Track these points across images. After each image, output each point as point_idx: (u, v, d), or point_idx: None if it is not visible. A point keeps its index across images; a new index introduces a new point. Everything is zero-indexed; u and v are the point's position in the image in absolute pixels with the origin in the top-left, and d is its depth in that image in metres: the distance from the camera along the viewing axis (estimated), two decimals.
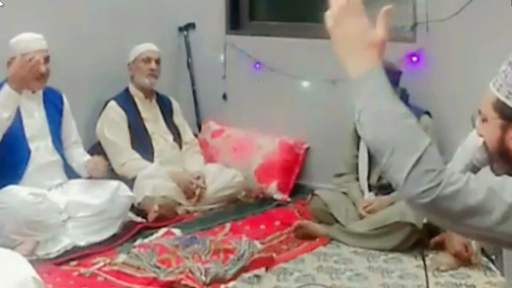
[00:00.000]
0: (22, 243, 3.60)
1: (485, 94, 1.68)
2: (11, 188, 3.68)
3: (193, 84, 5.34)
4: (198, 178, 4.54)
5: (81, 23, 4.63)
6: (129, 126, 4.59)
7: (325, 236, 3.96)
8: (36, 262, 3.41)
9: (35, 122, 3.95)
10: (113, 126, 4.56)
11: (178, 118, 4.89)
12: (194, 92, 5.34)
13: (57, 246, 3.70)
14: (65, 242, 3.73)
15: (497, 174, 1.70)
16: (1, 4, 4.16)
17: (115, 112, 4.57)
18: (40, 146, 3.93)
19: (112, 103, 4.59)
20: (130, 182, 4.26)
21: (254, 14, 5.32)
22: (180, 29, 5.38)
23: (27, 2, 4.33)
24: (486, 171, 1.81)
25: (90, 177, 4.04)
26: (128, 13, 4.97)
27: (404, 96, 4.10)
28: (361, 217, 4.00)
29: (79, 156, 4.14)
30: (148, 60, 4.63)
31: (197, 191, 4.48)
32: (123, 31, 4.90)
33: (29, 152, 3.88)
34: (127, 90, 4.70)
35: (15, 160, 3.83)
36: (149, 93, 4.71)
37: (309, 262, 3.67)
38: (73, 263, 3.58)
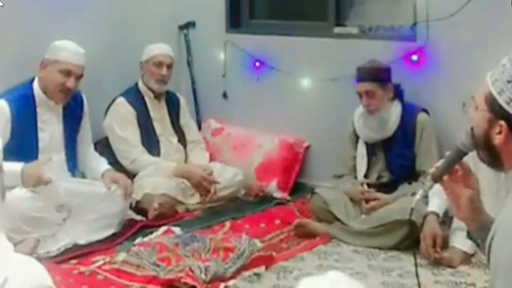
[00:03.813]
0: (23, 242, 3.60)
1: (482, 83, 1.70)
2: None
3: (193, 82, 5.35)
4: (211, 173, 4.48)
5: (79, 22, 4.62)
6: (138, 124, 4.54)
7: (325, 234, 3.96)
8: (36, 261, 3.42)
9: (52, 134, 3.88)
10: (123, 122, 4.50)
11: (185, 117, 4.84)
12: (194, 90, 5.34)
13: (57, 244, 3.70)
14: (65, 241, 3.73)
15: (483, 162, 1.73)
16: (1, 4, 4.17)
17: (124, 109, 4.52)
18: (52, 160, 3.80)
19: (121, 100, 4.54)
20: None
21: (254, 12, 5.33)
22: (180, 27, 5.39)
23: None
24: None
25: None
26: (128, 11, 4.97)
27: (398, 92, 4.11)
28: (359, 204, 4.02)
29: (94, 159, 4.09)
30: (159, 64, 4.55)
31: (212, 189, 4.44)
32: (123, 29, 4.90)
33: None
34: (136, 86, 4.63)
35: None
36: (159, 94, 4.65)
37: (309, 261, 3.67)
38: (73, 261, 3.59)
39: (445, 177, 1.85)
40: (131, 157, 4.45)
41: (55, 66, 3.80)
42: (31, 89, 3.84)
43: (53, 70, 3.80)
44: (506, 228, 1.56)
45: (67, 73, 3.81)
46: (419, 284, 2.07)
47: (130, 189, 4.01)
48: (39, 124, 3.84)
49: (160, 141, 4.62)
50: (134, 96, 4.59)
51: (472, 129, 1.75)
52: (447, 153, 1.88)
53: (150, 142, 4.56)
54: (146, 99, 4.62)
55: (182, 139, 4.77)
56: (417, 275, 2.10)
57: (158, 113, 4.67)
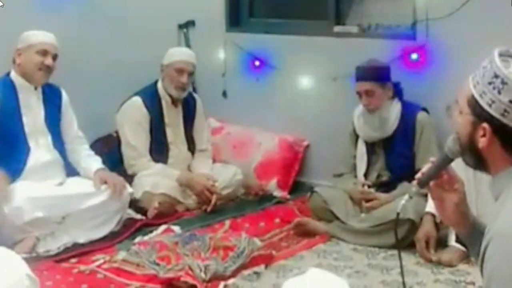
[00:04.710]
0: (22, 241, 3.60)
1: (464, 86, 1.70)
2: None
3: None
4: (214, 183, 4.43)
5: (78, 21, 4.63)
6: (150, 129, 4.47)
7: (324, 233, 3.96)
8: (36, 259, 3.43)
9: (35, 118, 3.92)
10: (135, 126, 4.42)
11: (199, 122, 4.75)
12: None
13: (57, 243, 3.71)
14: (64, 239, 3.74)
15: (468, 165, 1.73)
16: (1, 4, 4.16)
17: (139, 111, 4.42)
18: (39, 144, 3.90)
19: (138, 100, 4.44)
20: (129, 178, 4.25)
21: (254, 11, 5.33)
22: (180, 26, 5.38)
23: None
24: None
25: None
26: (128, 10, 4.97)
27: (398, 90, 4.11)
28: (359, 203, 4.02)
29: (87, 157, 4.10)
30: (180, 71, 4.41)
31: (213, 199, 4.39)
32: (123, 28, 4.90)
33: (28, 149, 3.86)
34: (155, 86, 4.51)
35: (14, 157, 3.80)
36: (177, 99, 4.55)
37: (309, 259, 3.67)
38: (73, 260, 3.59)
39: (431, 183, 1.85)
40: (137, 164, 4.41)
41: (31, 50, 3.87)
42: (10, 78, 3.91)
43: (30, 53, 3.87)
44: (502, 243, 1.53)
45: (44, 53, 3.88)
46: (404, 284, 2.07)
47: (120, 186, 3.98)
48: (22, 110, 3.88)
49: (170, 149, 4.55)
50: (151, 98, 4.48)
51: (457, 133, 1.75)
52: (432, 159, 1.87)
53: (159, 149, 4.50)
54: (163, 103, 4.51)
55: (192, 146, 4.70)
56: (402, 275, 2.10)
57: (173, 119, 4.57)
